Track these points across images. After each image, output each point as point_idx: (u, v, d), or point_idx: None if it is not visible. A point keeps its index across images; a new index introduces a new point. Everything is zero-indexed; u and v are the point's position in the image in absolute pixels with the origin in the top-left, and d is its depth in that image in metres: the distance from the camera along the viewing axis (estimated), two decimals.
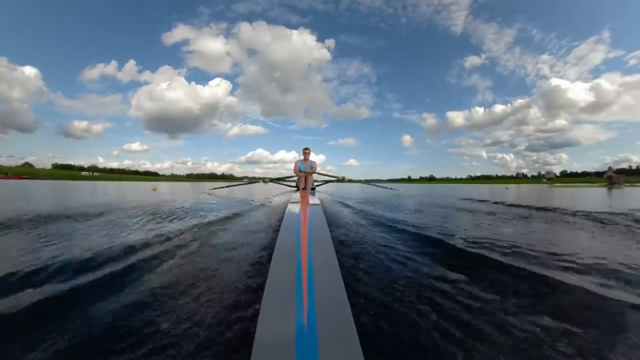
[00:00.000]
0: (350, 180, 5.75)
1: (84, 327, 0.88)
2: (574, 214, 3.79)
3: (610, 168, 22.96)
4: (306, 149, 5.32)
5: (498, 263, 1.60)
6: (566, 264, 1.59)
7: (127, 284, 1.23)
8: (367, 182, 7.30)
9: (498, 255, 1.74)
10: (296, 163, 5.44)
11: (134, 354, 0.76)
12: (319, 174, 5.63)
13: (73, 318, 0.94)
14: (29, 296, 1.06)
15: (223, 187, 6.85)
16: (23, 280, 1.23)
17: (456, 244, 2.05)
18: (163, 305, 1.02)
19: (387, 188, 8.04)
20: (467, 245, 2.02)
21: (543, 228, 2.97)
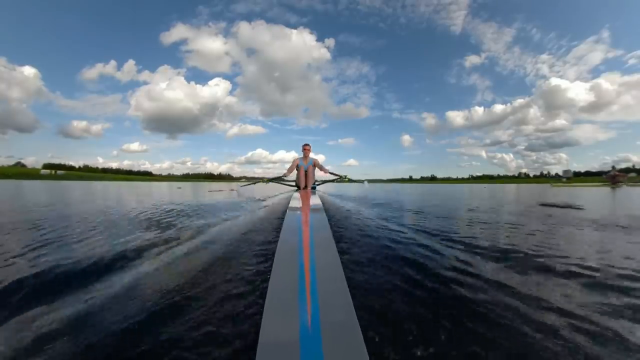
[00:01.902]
0: (351, 180, 5.71)
1: (81, 328, 0.90)
2: None
3: (613, 167, 24.55)
4: (306, 145, 5.19)
5: (521, 264, 1.60)
6: (566, 261, 1.63)
7: (127, 285, 1.26)
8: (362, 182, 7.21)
9: (515, 256, 1.75)
10: (295, 161, 5.29)
11: (136, 355, 0.77)
12: (321, 167, 5.26)
13: (70, 318, 0.95)
14: (28, 297, 1.08)
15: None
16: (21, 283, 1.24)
17: (467, 243, 2.05)
18: (164, 307, 1.05)
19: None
20: (477, 244, 2.02)
21: (549, 228, 2.99)
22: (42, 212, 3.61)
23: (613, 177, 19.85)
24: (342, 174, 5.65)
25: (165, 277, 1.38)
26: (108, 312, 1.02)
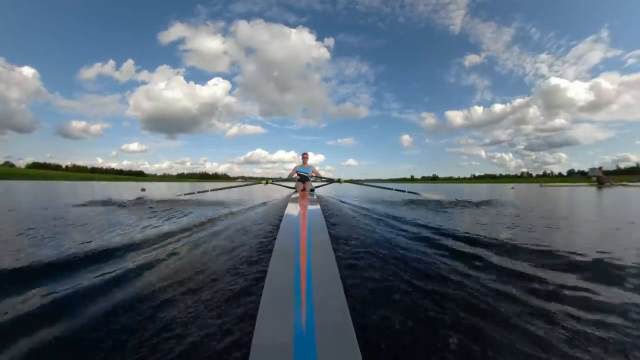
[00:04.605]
0: (347, 181, 6.08)
1: (82, 327, 0.92)
2: None
3: (600, 168, 25.67)
4: (305, 154, 5.95)
5: (497, 263, 1.65)
6: (564, 261, 1.71)
7: (124, 285, 1.27)
8: (362, 182, 7.54)
9: (497, 255, 1.83)
10: (295, 168, 5.93)
11: (132, 355, 0.78)
12: (317, 176, 5.98)
13: (72, 318, 0.97)
14: (30, 296, 1.12)
15: (206, 191, 6.34)
16: (23, 280, 1.30)
17: (455, 244, 2.19)
18: (161, 307, 1.05)
19: (398, 190, 6.50)
20: (467, 245, 2.17)
21: (541, 227, 3.19)
22: None
23: (600, 178, 20.31)
24: (336, 177, 6.11)
25: (159, 276, 1.39)
26: (99, 310, 1.02)
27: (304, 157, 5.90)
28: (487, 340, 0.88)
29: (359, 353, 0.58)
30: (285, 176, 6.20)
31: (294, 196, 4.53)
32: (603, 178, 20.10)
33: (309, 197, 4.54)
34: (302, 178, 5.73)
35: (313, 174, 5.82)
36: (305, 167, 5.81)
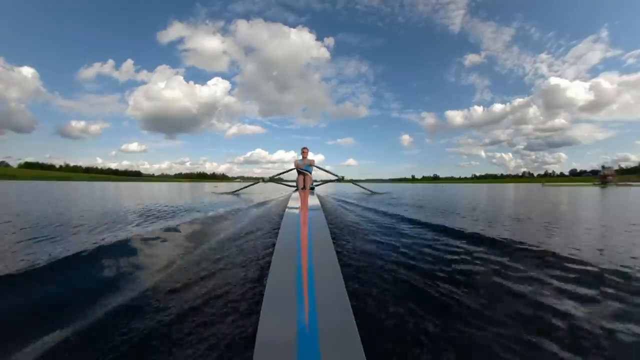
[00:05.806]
0: (351, 181, 6.00)
1: (84, 327, 0.92)
2: None
3: (610, 168, 25.43)
4: (304, 148, 5.79)
5: (501, 262, 1.64)
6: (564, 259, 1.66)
7: (129, 284, 1.28)
8: (361, 183, 7.51)
9: (501, 254, 1.82)
10: (295, 162, 5.82)
11: (136, 354, 0.78)
12: (318, 167, 5.83)
13: (72, 318, 0.97)
14: (29, 295, 1.12)
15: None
16: (22, 280, 1.28)
17: (459, 243, 2.16)
18: (164, 307, 1.06)
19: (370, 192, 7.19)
20: (470, 244, 2.13)
21: (542, 225, 3.15)
22: None
23: (604, 177, 20.15)
24: (340, 174, 5.95)
25: (162, 276, 1.40)
26: (104, 308, 1.03)
27: (304, 152, 5.73)
28: (490, 340, 0.87)
29: (362, 350, 0.58)
30: (284, 176, 6.10)
31: (294, 195, 4.50)
32: (609, 176, 19.87)
33: (309, 195, 4.50)
34: (302, 173, 5.60)
35: (312, 167, 5.67)
36: (305, 163, 5.67)
